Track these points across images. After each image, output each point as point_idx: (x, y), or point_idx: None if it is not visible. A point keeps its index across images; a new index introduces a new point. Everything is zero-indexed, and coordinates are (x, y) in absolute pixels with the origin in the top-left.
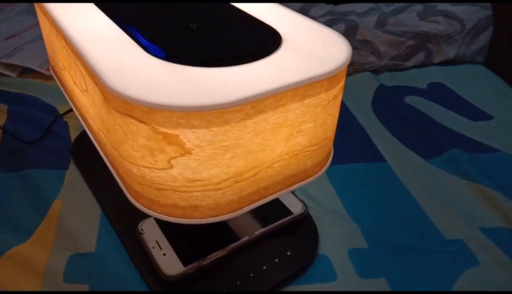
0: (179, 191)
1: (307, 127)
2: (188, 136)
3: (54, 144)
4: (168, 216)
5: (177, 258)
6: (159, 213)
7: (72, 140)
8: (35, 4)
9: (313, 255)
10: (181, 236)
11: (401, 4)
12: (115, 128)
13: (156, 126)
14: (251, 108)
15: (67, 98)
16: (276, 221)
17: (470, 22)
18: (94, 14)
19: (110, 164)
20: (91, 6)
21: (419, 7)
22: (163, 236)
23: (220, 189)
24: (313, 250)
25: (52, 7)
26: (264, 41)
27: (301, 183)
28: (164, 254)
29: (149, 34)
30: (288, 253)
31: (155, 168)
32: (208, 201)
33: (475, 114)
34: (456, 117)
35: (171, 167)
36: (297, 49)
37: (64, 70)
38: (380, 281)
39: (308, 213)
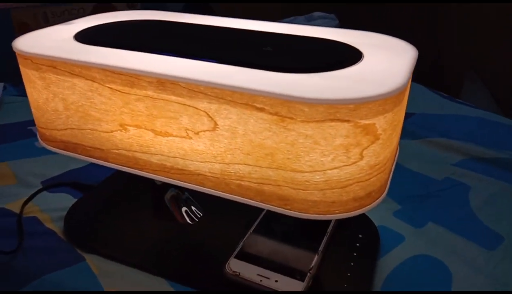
0: (362, 181)
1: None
2: (380, 122)
3: (41, 243)
4: (347, 212)
5: (290, 278)
6: (338, 213)
7: (55, 231)
8: (33, 71)
9: (376, 229)
10: (272, 260)
11: None
12: (295, 143)
13: (359, 120)
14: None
15: (116, 166)
16: None
17: None
18: (161, 57)
19: (251, 198)
20: (137, 53)
21: None
22: (259, 267)
23: (384, 169)
24: (374, 226)
25: (106, 59)
26: (345, 51)
27: (397, 155)
28: (276, 281)
29: (249, 59)
30: (360, 236)
31: (346, 165)
32: (377, 184)
33: None
34: None
35: (361, 158)
36: (380, 49)
37: (123, 130)
38: (431, 225)
39: None
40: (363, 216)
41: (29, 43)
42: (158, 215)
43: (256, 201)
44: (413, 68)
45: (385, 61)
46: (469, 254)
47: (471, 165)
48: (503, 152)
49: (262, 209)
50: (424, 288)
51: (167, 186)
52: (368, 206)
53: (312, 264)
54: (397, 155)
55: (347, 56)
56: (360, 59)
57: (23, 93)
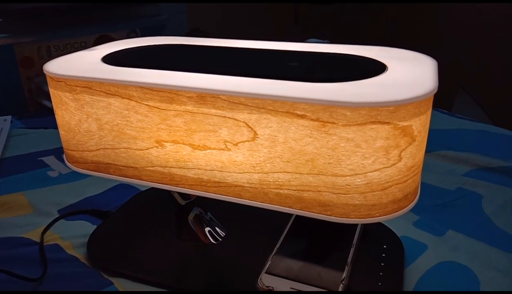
0: (401, 183)
1: None
2: (416, 124)
3: (65, 269)
4: (386, 214)
5: (324, 290)
6: (378, 216)
7: (78, 257)
8: (72, 92)
9: (399, 239)
10: (303, 273)
11: None
12: (336, 148)
13: (398, 122)
14: None
15: (153, 183)
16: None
17: None
18: (197, 74)
19: (291, 206)
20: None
21: None
22: (291, 281)
23: (418, 171)
24: (396, 236)
25: (140, 77)
26: (368, 63)
27: None
28: None
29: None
30: (384, 246)
31: (386, 167)
32: (413, 185)
33: None
34: None
35: (400, 160)
36: (400, 60)
37: (159, 147)
38: (451, 233)
39: None
40: (384, 227)
41: (60, 66)
42: (181, 236)
43: (296, 209)
44: (437, 75)
45: (409, 70)
46: (492, 258)
47: (480, 175)
48: (509, 161)
49: (285, 225)
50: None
51: (190, 206)
52: (405, 208)
53: (344, 275)
54: None
55: (373, 67)
56: (385, 69)
57: (29, 126)
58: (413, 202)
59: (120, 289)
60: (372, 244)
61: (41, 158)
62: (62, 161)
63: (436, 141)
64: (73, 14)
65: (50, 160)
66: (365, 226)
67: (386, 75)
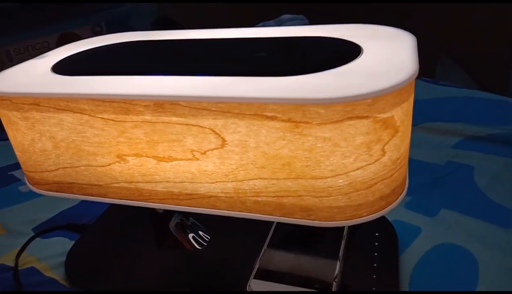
0: (387, 178)
1: None
2: (398, 114)
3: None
4: (375, 213)
5: (317, 290)
6: (366, 215)
7: (57, 279)
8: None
9: (392, 225)
10: (293, 273)
11: None
12: (313, 148)
13: (378, 115)
14: None
15: (118, 200)
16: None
17: None
18: (153, 78)
19: (271, 213)
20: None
21: None
22: (282, 284)
23: (405, 162)
24: (388, 222)
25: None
26: (342, 45)
27: None
28: None
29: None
30: (376, 234)
31: (369, 164)
32: (399, 178)
33: None
34: None
35: (383, 154)
36: (379, 43)
37: (121, 161)
38: (444, 212)
39: None
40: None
41: (4, 82)
42: (164, 245)
43: (277, 216)
44: (417, 54)
45: (386, 51)
46: (489, 235)
47: (469, 145)
48: (497, 127)
49: (271, 223)
50: (451, 278)
51: (169, 213)
52: (394, 203)
53: (336, 272)
54: None
55: (346, 51)
56: (360, 52)
57: None
58: (401, 195)
59: None
60: (363, 233)
61: (11, 172)
62: None
63: (422, 113)
64: (31, 14)
65: (20, 173)
66: None
67: (361, 59)
